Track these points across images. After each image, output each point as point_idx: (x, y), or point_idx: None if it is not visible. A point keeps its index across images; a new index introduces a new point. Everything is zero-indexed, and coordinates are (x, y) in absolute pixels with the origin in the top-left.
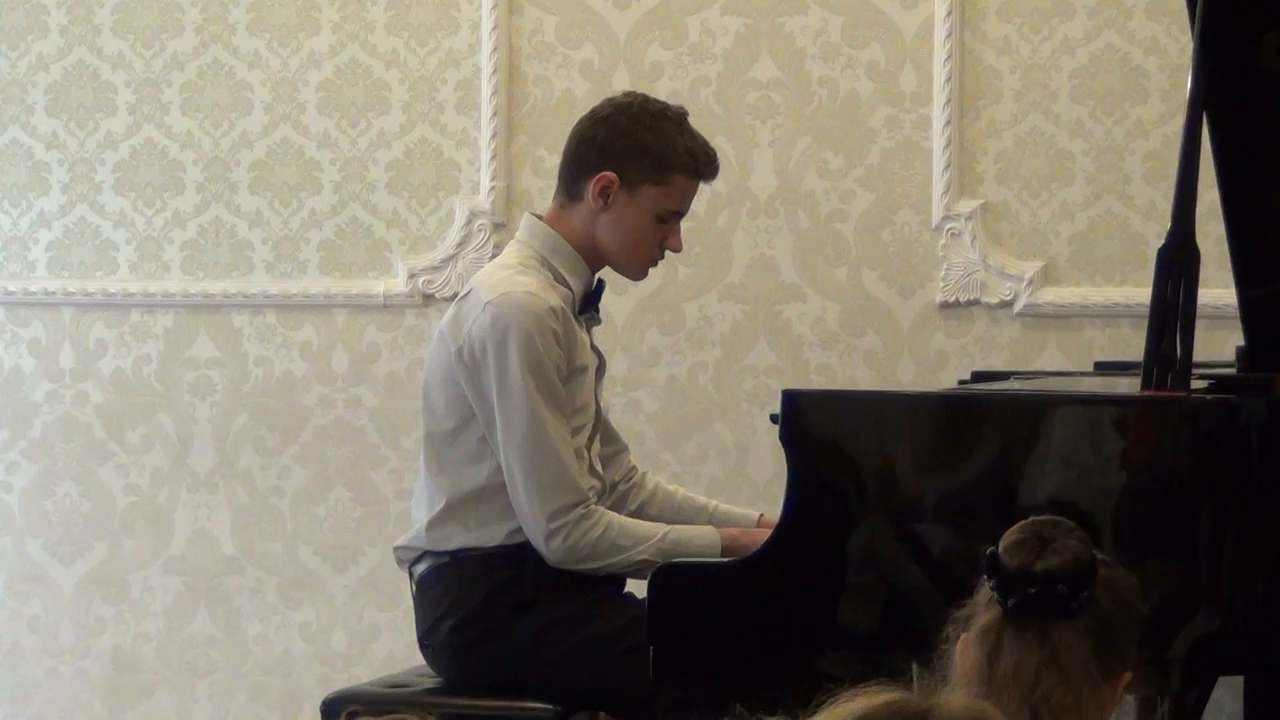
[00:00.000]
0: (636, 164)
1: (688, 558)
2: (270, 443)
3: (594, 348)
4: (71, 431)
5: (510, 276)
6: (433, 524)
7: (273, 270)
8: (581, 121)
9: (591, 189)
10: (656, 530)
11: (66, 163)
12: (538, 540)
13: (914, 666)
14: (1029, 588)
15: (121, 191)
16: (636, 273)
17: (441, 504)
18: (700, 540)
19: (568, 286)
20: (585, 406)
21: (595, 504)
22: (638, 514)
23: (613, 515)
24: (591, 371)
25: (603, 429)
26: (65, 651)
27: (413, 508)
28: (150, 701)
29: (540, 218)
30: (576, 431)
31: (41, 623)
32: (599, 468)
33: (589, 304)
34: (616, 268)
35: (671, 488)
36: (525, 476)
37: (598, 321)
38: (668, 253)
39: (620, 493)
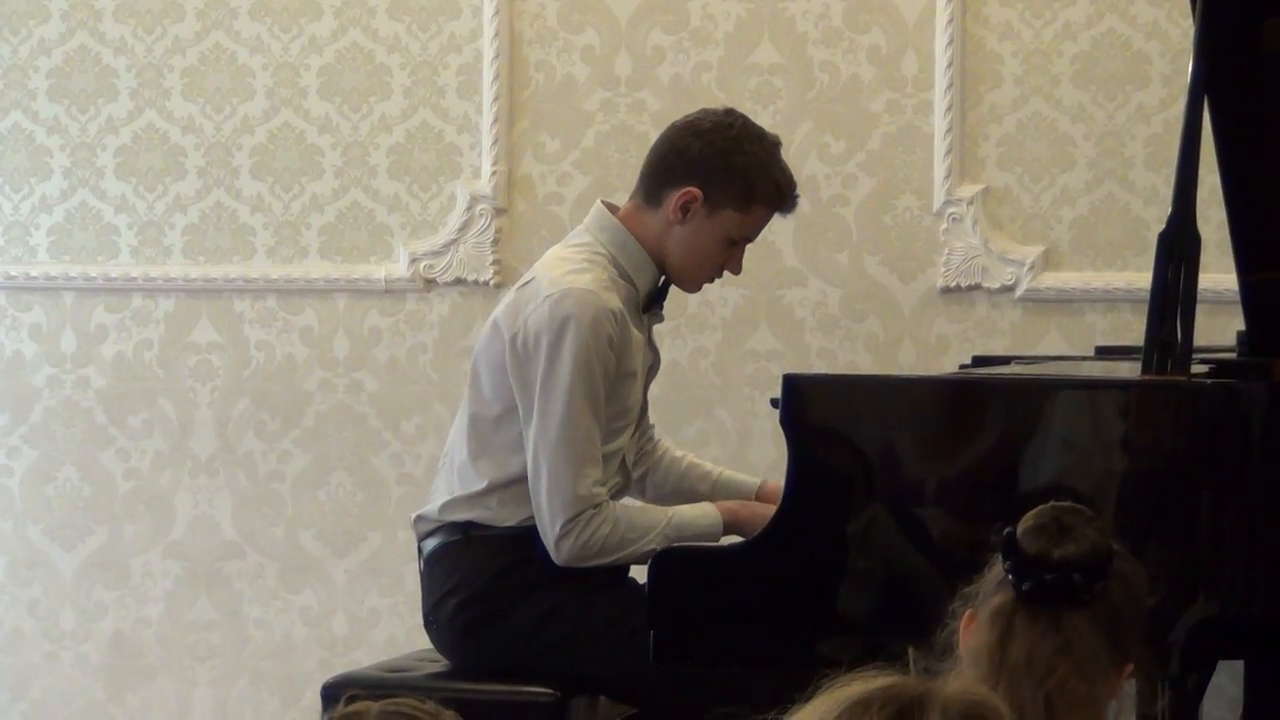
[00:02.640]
0: (725, 187)
1: (693, 539)
2: (271, 427)
3: (651, 343)
4: (72, 416)
5: (574, 272)
6: (463, 501)
7: (274, 255)
8: (676, 129)
9: (673, 201)
10: (661, 517)
11: (68, 147)
12: (549, 541)
13: (910, 651)
14: (1045, 574)
15: (123, 176)
16: (692, 287)
17: (482, 485)
18: (703, 521)
19: (632, 284)
20: (630, 409)
21: (606, 501)
22: (642, 481)
23: (620, 508)
24: (642, 374)
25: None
26: (66, 636)
27: (443, 480)
28: (151, 686)
29: (613, 209)
30: (618, 433)
31: (42, 607)
32: (630, 462)
33: (654, 302)
34: (674, 278)
35: (678, 454)
36: (549, 478)
37: (660, 319)
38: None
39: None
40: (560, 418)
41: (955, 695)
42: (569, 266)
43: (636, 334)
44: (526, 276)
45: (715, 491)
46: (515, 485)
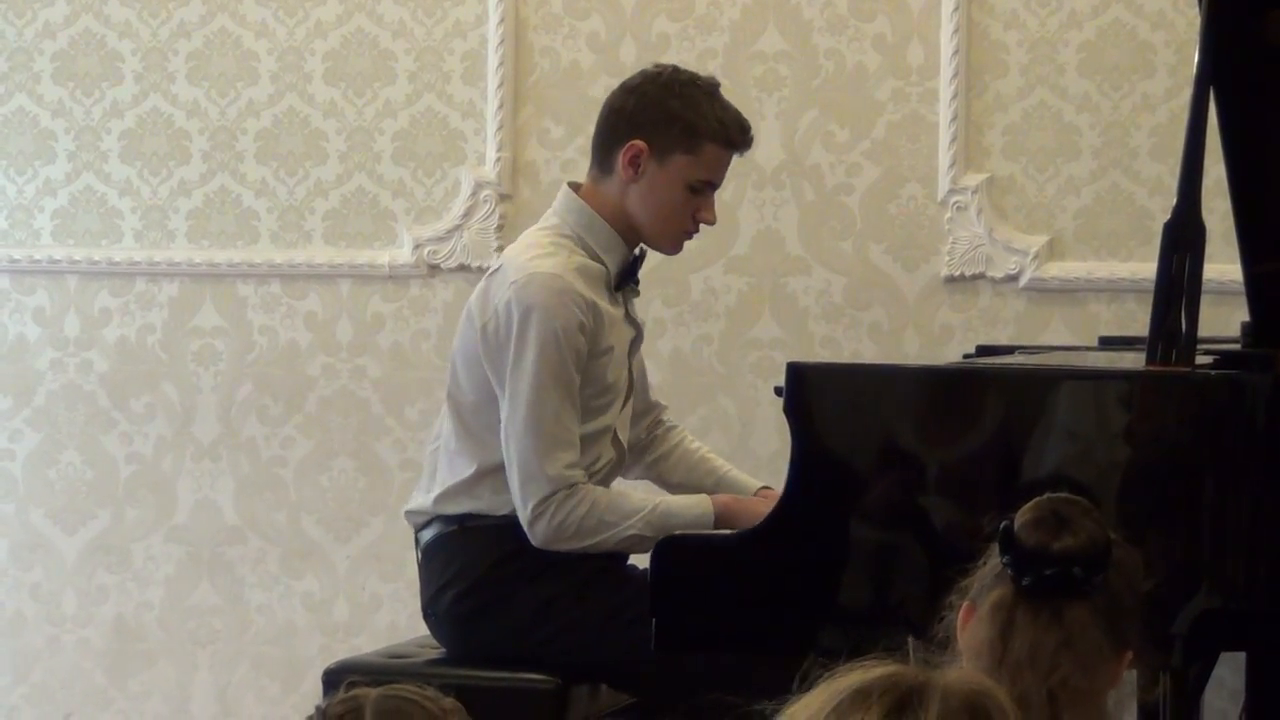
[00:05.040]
0: (666, 132)
1: (680, 529)
2: (274, 412)
3: (630, 318)
4: (75, 400)
5: (539, 258)
6: (453, 490)
7: (278, 240)
8: (612, 93)
9: (622, 159)
10: (646, 503)
11: (72, 131)
12: (524, 524)
13: (910, 640)
14: (1045, 568)
15: (127, 160)
16: (670, 246)
17: (471, 471)
18: (692, 511)
19: (602, 263)
20: (614, 384)
21: (583, 483)
22: (652, 467)
23: (599, 491)
24: (624, 346)
25: (636, 393)
26: (67, 620)
27: (439, 470)
28: (152, 670)
29: (578, 190)
30: (604, 410)
31: (44, 591)
32: (623, 436)
33: (626, 278)
34: (650, 241)
35: (693, 446)
36: (519, 462)
37: (637, 293)
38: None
39: (640, 448)
40: (527, 402)
41: (955, 684)
42: (535, 251)
43: (611, 311)
44: (496, 263)
45: (719, 488)
46: (504, 470)
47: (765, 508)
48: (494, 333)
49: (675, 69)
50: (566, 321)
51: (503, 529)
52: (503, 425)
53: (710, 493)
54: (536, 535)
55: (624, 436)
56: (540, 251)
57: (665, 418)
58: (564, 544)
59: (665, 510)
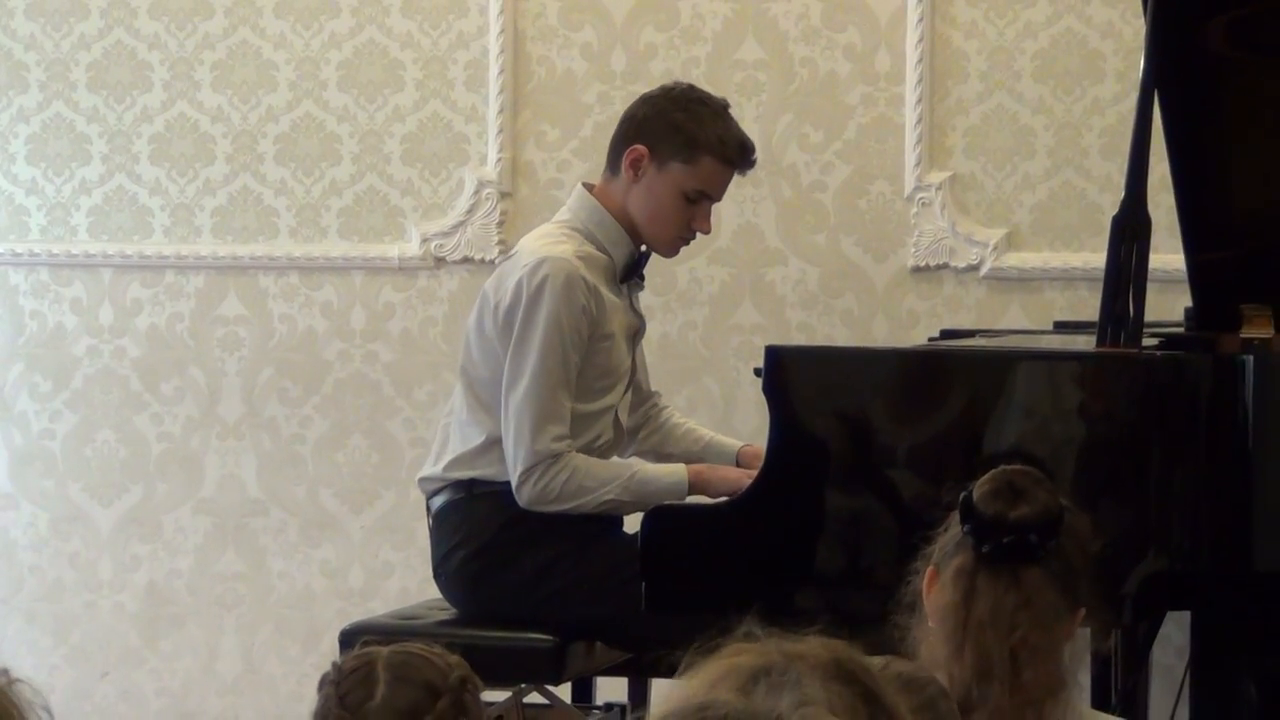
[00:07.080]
0: (668, 141)
1: (656, 494)
2: (293, 394)
3: (635, 310)
4: (110, 383)
5: (549, 245)
6: (464, 458)
7: (296, 235)
8: (632, 102)
9: (625, 160)
10: (623, 470)
11: (106, 135)
12: (514, 485)
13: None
14: (1003, 536)
15: (157, 162)
16: (665, 248)
17: (481, 439)
18: (668, 478)
19: (608, 255)
20: (615, 367)
21: (568, 452)
22: (645, 442)
23: (580, 459)
24: (624, 336)
25: (636, 381)
26: (104, 586)
27: (450, 440)
28: (181, 632)
29: (591, 189)
30: (605, 391)
31: (82, 559)
32: (623, 418)
33: (632, 272)
34: (647, 242)
35: (679, 420)
36: (514, 431)
37: (641, 287)
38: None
39: (635, 429)
40: (528, 376)
41: (817, 648)
42: (546, 240)
43: (614, 299)
44: (513, 250)
45: (705, 453)
46: None
47: (738, 474)
48: (506, 310)
49: (691, 86)
50: (571, 302)
51: (508, 494)
52: (503, 393)
53: (697, 458)
54: (523, 497)
55: (624, 418)
56: (551, 240)
57: (657, 401)
58: (548, 506)
59: (643, 477)
